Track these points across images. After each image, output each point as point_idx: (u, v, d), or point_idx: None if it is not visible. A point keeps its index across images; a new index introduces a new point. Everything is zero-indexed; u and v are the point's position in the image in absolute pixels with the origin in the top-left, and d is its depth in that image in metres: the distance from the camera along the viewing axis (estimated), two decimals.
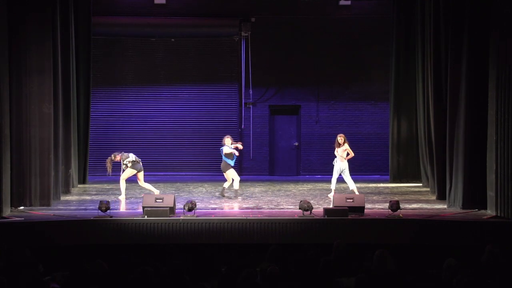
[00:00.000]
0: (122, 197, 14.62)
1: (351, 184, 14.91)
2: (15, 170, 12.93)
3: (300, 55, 20.55)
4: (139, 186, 15.10)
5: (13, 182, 12.82)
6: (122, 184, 14.72)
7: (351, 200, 12.36)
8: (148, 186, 14.82)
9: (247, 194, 15.46)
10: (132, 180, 15.15)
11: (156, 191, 14.62)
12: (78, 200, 14.74)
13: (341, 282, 7.20)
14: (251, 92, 20.54)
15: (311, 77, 20.70)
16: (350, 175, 14.96)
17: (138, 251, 10.57)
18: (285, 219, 11.83)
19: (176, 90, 20.65)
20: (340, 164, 14.86)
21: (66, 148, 15.81)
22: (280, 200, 14.61)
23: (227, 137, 15.07)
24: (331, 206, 12.63)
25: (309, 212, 11.93)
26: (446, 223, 11.85)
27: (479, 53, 12.69)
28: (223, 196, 14.84)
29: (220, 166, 15.06)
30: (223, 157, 14.87)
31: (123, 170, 14.68)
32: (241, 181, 15.35)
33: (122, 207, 13.69)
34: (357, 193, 14.38)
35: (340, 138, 14.94)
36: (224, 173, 14.98)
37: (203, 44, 20.52)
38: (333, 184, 14.94)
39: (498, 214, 11.92)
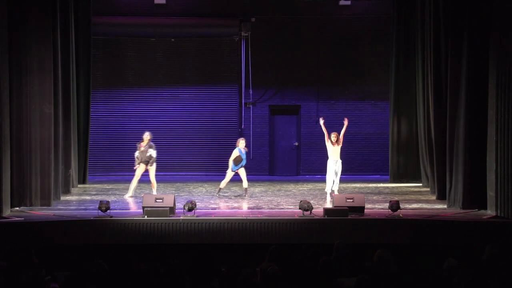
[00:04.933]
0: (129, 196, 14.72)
1: (337, 185, 14.91)
2: (15, 170, 12.93)
3: (300, 55, 20.56)
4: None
5: (13, 182, 12.81)
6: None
7: (351, 200, 12.36)
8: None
9: (247, 194, 15.44)
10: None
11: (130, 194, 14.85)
12: (78, 200, 14.74)
13: (341, 282, 7.20)
14: (251, 92, 20.54)
15: (311, 77, 20.71)
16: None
17: (138, 251, 10.57)
18: (285, 219, 11.83)
19: (176, 90, 20.65)
20: (337, 164, 14.80)
21: (66, 148, 15.80)
22: (280, 200, 14.61)
23: (242, 139, 15.09)
24: (331, 206, 12.63)
25: (309, 212, 11.93)
26: (446, 223, 11.85)
27: (479, 53, 12.69)
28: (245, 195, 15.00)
29: (224, 165, 15.09)
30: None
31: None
32: (242, 181, 15.31)
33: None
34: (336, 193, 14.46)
35: (335, 136, 14.89)
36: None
37: (203, 44, 20.52)
38: (331, 184, 14.93)
39: (498, 214, 11.92)
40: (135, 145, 15.13)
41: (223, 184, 15.08)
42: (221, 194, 15.11)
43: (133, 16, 19.99)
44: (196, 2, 20.34)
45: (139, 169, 14.86)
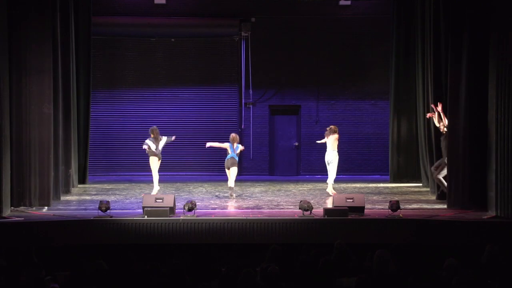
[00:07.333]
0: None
1: (331, 178, 14.93)
2: (15, 170, 12.91)
3: (300, 55, 20.56)
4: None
5: (13, 182, 12.80)
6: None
7: (351, 200, 12.36)
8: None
9: (247, 194, 15.45)
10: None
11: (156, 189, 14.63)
12: (78, 200, 14.74)
13: (341, 282, 7.21)
14: (251, 92, 20.54)
15: (311, 77, 20.71)
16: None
17: (138, 251, 10.57)
18: (285, 219, 11.82)
19: (176, 90, 20.64)
20: (328, 155, 14.95)
21: (66, 148, 15.80)
22: (280, 200, 14.61)
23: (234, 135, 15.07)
24: (331, 206, 12.63)
25: (309, 212, 11.93)
26: (446, 223, 11.84)
27: (479, 53, 12.68)
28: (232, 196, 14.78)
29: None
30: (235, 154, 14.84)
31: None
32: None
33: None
34: (331, 188, 14.47)
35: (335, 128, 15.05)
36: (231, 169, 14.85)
37: (203, 44, 20.52)
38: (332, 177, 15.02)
39: (498, 214, 11.92)
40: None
41: (230, 183, 14.87)
42: (232, 194, 14.87)
43: (133, 16, 19.99)
44: (196, 2, 20.34)
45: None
